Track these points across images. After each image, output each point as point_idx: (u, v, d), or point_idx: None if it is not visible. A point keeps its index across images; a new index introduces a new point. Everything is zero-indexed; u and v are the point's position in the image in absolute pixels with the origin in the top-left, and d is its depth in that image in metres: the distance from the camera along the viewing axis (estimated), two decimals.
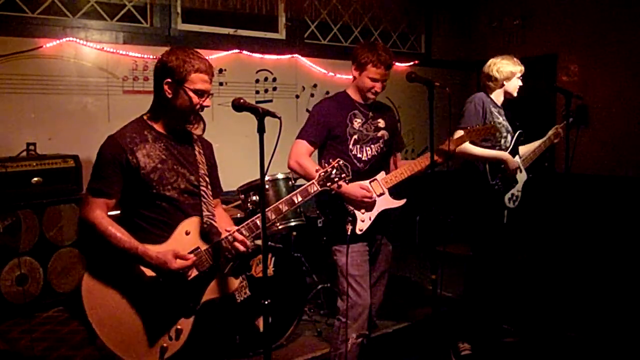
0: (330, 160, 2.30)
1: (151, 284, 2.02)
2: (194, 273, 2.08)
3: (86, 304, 1.96)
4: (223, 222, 2.29)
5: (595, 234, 5.21)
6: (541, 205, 3.71)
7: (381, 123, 3.01)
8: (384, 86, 2.92)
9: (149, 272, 2.02)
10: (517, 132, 3.58)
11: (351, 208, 2.84)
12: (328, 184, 2.27)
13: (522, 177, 3.54)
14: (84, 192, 3.92)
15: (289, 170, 3.98)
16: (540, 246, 4.19)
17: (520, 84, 3.56)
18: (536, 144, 3.69)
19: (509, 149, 3.50)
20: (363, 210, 2.84)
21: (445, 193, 3.46)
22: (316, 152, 3.02)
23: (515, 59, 3.55)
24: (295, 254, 3.77)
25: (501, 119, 3.52)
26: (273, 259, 3.48)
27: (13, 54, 3.97)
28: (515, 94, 3.57)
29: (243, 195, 3.80)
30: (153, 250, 2.02)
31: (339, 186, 2.34)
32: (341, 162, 2.29)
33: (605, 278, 4.69)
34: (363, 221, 2.85)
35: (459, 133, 3.25)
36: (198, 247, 2.11)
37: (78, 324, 3.63)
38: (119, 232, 1.99)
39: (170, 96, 2.06)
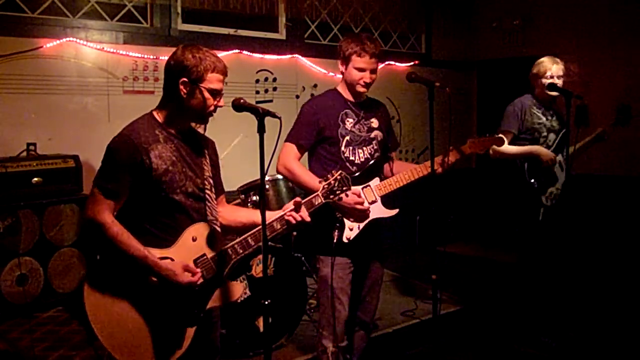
0: (333, 172, 2.25)
1: (156, 290, 2.00)
2: (200, 281, 2.05)
3: (88, 307, 1.93)
4: (242, 212, 2.31)
5: (595, 234, 5.21)
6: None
7: (374, 123, 2.87)
8: (374, 77, 2.78)
9: (154, 279, 1.99)
10: (564, 131, 3.59)
11: (339, 215, 2.67)
12: (331, 197, 2.25)
13: (562, 176, 3.58)
14: (84, 192, 3.96)
15: None
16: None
17: (549, 82, 3.50)
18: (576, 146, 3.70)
19: (552, 147, 3.55)
20: (352, 219, 2.69)
21: (445, 193, 3.46)
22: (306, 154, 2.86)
23: (553, 59, 3.56)
24: (295, 254, 3.76)
25: (543, 119, 3.58)
26: (273, 259, 3.48)
27: (13, 54, 3.97)
28: (548, 93, 3.52)
29: (243, 195, 3.80)
30: (160, 256, 1.98)
31: (340, 199, 2.30)
32: (343, 174, 2.25)
33: (605, 278, 4.69)
34: (351, 229, 2.69)
35: (503, 140, 3.29)
36: (204, 254, 2.08)
37: (78, 324, 3.63)
38: (129, 238, 1.95)
39: (185, 96, 2.02)
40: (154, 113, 2.11)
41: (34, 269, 3.73)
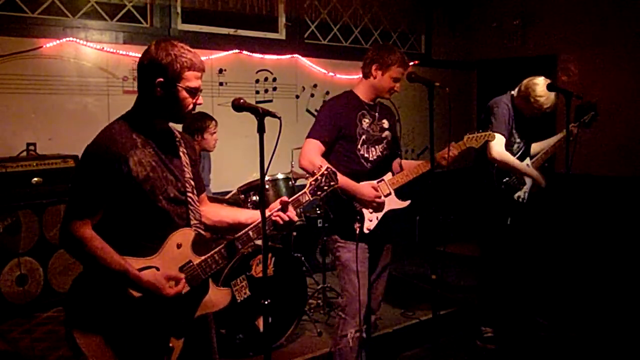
0: (320, 167, 2.24)
1: (140, 303, 1.89)
2: (186, 289, 1.96)
3: (73, 321, 1.85)
4: (226, 212, 2.21)
5: (595, 234, 5.21)
6: (541, 206, 3.74)
7: (385, 124, 3.08)
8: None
9: (137, 294, 1.88)
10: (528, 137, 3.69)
11: (359, 207, 2.88)
12: (319, 193, 2.19)
13: (530, 180, 3.63)
14: None
15: (289, 170, 4.01)
16: (541, 246, 4.21)
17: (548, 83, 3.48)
18: (548, 142, 3.75)
19: (518, 153, 3.62)
20: (371, 210, 2.90)
21: (445, 193, 3.48)
22: None
23: (551, 95, 3.45)
24: (295, 254, 3.77)
25: (520, 124, 3.63)
26: (273, 259, 3.48)
27: (13, 54, 3.96)
28: (534, 111, 3.56)
29: (243, 196, 3.80)
30: (144, 265, 1.89)
31: (328, 194, 2.26)
32: (330, 169, 2.23)
33: (605, 278, 4.69)
34: (371, 220, 2.90)
35: (494, 136, 3.36)
36: (190, 261, 1.98)
37: None
38: (109, 254, 1.83)
39: (162, 96, 1.90)
40: (129, 115, 1.99)
41: (34, 269, 3.73)
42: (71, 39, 4.21)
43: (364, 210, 2.89)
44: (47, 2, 4.18)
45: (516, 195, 3.57)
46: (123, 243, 1.88)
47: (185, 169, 2.05)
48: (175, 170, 2.02)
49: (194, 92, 1.94)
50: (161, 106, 1.94)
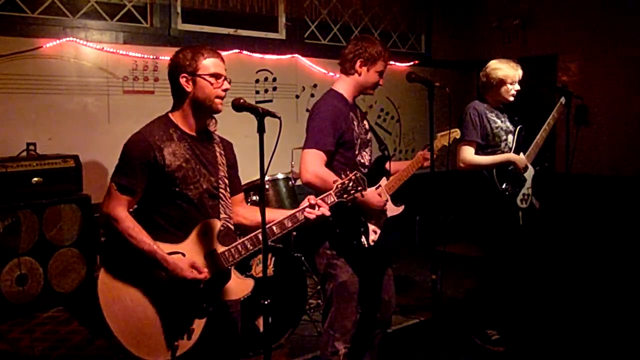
0: (348, 172, 2.24)
1: (167, 283, 2.06)
2: (208, 276, 2.10)
3: (101, 297, 2.00)
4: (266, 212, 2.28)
5: (595, 234, 5.21)
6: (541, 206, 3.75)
7: (367, 124, 2.86)
8: None
9: (162, 274, 2.06)
10: (518, 128, 3.59)
11: (363, 218, 2.66)
12: (345, 196, 2.23)
13: (529, 173, 3.58)
14: (84, 192, 3.96)
15: (289, 170, 4.00)
16: (541, 246, 4.21)
17: (515, 90, 3.50)
18: (537, 137, 3.70)
19: (512, 149, 3.54)
20: (374, 221, 2.69)
21: (445, 193, 3.47)
22: None
23: (512, 64, 3.50)
24: (296, 254, 3.76)
25: (499, 122, 3.55)
26: (273, 259, 3.48)
27: (13, 54, 3.97)
28: (509, 99, 3.52)
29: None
30: (171, 251, 2.05)
31: (355, 199, 2.28)
32: (358, 175, 2.23)
33: (605, 278, 4.70)
34: (375, 232, 2.70)
35: (465, 149, 3.36)
36: (214, 250, 2.13)
37: (78, 324, 3.63)
38: (140, 233, 2.02)
39: (189, 89, 2.10)
40: (170, 114, 2.18)
41: (34, 269, 3.73)
42: (71, 39, 4.21)
43: (368, 222, 2.67)
44: (47, 2, 4.19)
45: (518, 199, 3.48)
46: (156, 229, 2.08)
47: (220, 167, 2.23)
48: (209, 166, 2.19)
49: (216, 76, 2.11)
50: (192, 99, 2.12)
